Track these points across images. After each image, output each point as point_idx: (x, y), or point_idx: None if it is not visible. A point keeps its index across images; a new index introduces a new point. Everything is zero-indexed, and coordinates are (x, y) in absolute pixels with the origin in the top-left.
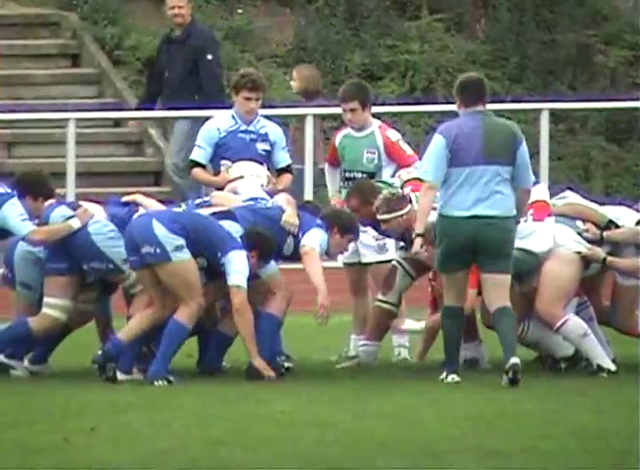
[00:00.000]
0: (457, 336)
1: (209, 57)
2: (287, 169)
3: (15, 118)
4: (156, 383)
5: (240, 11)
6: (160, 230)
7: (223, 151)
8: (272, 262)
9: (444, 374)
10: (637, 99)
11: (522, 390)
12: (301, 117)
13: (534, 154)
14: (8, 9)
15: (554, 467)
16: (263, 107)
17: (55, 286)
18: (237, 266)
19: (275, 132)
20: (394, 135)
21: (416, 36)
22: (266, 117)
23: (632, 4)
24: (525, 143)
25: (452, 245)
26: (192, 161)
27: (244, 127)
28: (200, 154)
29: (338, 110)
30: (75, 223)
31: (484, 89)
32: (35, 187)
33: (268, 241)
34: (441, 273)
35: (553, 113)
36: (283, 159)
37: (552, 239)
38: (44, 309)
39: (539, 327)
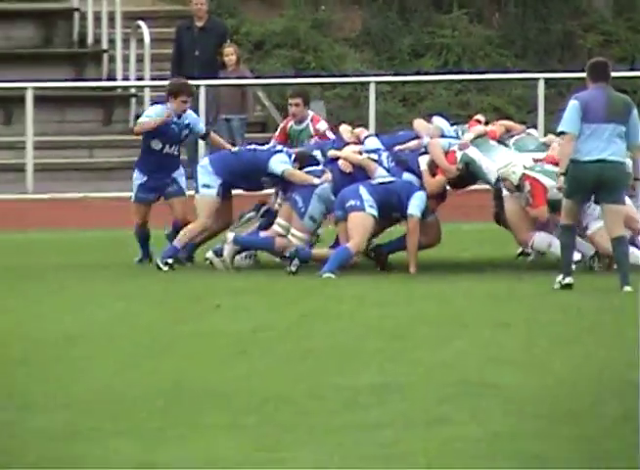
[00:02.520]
0: (572, 245)
1: (228, 42)
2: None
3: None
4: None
5: (323, 7)
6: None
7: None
8: None
9: (561, 276)
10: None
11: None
12: (366, 84)
13: (533, 110)
14: (152, 5)
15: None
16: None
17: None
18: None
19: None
20: (322, 126)
21: (448, 25)
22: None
23: (604, 2)
24: (636, 110)
25: (581, 181)
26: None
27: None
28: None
29: (394, 78)
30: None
31: (608, 70)
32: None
33: None
34: (568, 200)
35: (547, 81)
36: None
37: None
38: (290, 237)
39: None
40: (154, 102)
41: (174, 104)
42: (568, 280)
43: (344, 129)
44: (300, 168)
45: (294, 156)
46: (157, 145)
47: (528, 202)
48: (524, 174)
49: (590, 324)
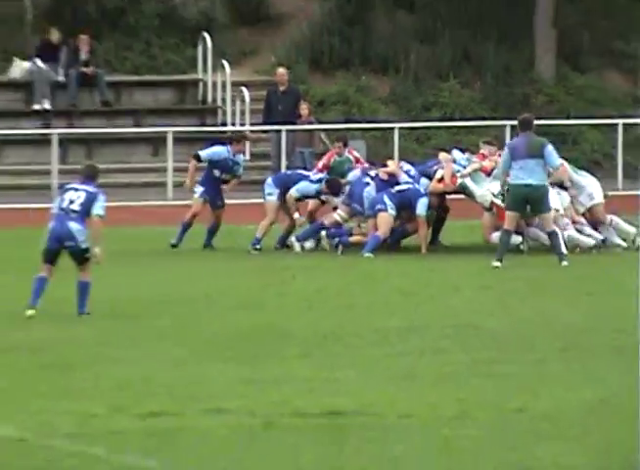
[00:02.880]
0: (507, 242)
1: (302, 101)
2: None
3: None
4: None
5: (363, 77)
6: None
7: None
8: None
9: (495, 260)
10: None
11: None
12: (392, 129)
13: (503, 146)
14: (250, 76)
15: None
16: (373, 123)
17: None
18: None
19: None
20: (357, 153)
21: (446, 89)
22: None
23: (549, 74)
24: (549, 146)
25: (516, 199)
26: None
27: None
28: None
29: (410, 124)
30: None
31: (532, 122)
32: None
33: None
34: (509, 211)
35: (512, 126)
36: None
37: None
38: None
39: (533, 233)
40: (213, 143)
41: (233, 147)
42: (497, 264)
43: (392, 162)
44: (330, 194)
45: (325, 183)
46: (216, 173)
47: (496, 216)
48: (492, 201)
49: (540, 286)
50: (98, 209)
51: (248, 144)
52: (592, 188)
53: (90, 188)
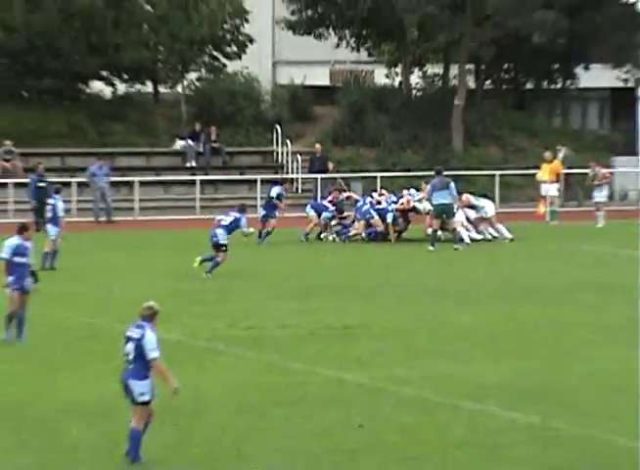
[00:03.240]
0: (436, 235)
1: (329, 161)
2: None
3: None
4: None
5: (360, 149)
6: None
7: None
8: None
9: (429, 245)
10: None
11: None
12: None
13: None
14: (302, 147)
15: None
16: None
17: None
18: None
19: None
20: (348, 193)
21: (405, 157)
22: None
23: (459, 147)
24: (452, 183)
25: (437, 211)
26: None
27: None
28: None
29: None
30: None
31: (442, 172)
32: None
33: None
34: (434, 218)
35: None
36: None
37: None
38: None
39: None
40: (275, 183)
41: (284, 185)
42: (431, 248)
43: (405, 193)
44: (337, 211)
45: (334, 207)
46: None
47: (430, 220)
48: (428, 211)
49: (447, 259)
50: (244, 227)
51: (299, 181)
52: (488, 208)
53: (236, 214)
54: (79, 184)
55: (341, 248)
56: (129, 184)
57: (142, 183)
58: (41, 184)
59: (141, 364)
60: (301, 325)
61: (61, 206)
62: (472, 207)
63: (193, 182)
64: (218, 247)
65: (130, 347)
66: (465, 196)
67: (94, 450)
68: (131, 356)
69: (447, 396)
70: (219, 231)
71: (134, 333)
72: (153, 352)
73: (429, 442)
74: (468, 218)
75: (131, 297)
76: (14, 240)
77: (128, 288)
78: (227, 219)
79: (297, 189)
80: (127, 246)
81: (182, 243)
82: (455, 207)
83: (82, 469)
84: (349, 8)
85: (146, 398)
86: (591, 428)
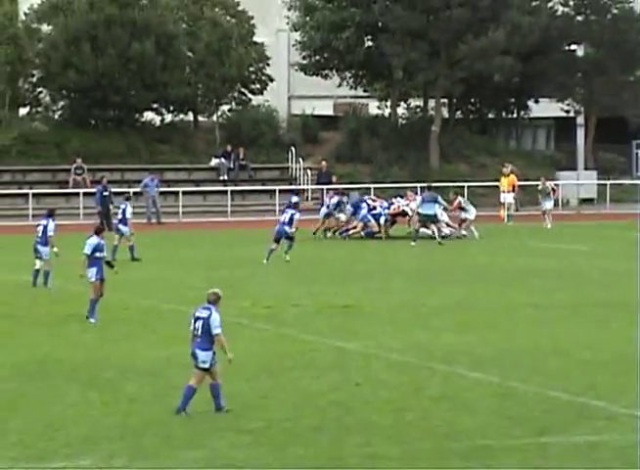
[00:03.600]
0: (417, 233)
1: (333, 176)
2: None
3: None
4: None
5: (357, 166)
6: None
7: None
8: None
9: (413, 241)
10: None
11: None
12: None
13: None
14: (312, 164)
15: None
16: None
17: None
18: None
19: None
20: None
21: (394, 172)
22: None
23: (437, 165)
24: (439, 197)
25: (423, 219)
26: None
27: None
28: None
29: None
30: None
31: (431, 188)
32: None
33: None
34: (420, 222)
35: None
36: None
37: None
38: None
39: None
40: (292, 191)
41: (299, 196)
42: (413, 244)
43: (395, 201)
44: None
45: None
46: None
47: (415, 221)
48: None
49: (421, 252)
50: (294, 222)
51: (309, 191)
52: (472, 212)
53: (292, 211)
54: (135, 193)
55: (341, 244)
56: (175, 193)
57: (184, 193)
58: (105, 193)
59: (206, 338)
60: (310, 305)
61: (129, 210)
62: (461, 208)
63: (225, 192)
64: (288, 238)
65: (199, 324)
66: (457, 200)
67: (146, 404)
68: (199, 332)
69: (425, 360)
70: (287, 228)
71: (202, 313)
72: (217, 329)
73: (412, 397)
74: (448, 223)
75: (175, 282)
76: (93, 239)
77: (174, 276)
78: (285, 216)
79: (307, 198)
80: (173, 242)
81: (216, 240)
82: (440, 213)
83: (136, 419)
84: (349, 53)
85: (206, 365)
86: (540, 386)
